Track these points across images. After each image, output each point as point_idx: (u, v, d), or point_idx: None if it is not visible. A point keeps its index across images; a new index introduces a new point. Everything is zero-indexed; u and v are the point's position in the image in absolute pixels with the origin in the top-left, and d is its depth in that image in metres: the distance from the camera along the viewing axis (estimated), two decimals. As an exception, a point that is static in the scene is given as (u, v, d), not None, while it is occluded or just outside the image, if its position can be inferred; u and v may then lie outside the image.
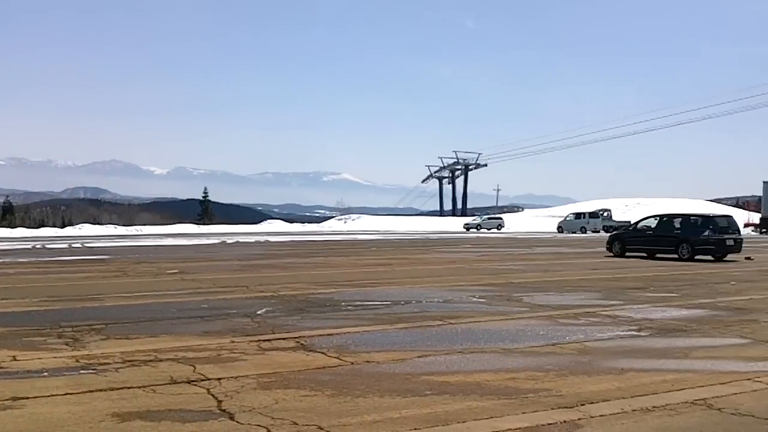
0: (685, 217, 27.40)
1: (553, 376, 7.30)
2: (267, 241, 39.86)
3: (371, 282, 16.60)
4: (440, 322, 10.60)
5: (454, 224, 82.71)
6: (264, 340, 9.05)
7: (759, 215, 71.21)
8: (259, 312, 11.50)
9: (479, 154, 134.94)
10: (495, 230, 71.41)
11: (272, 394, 6.48)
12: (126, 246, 34.97)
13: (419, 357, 8.17)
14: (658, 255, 26.26)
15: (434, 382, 6.98)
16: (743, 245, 26.50)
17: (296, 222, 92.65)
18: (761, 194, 72.17)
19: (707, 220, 26.49)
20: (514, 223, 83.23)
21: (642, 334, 9.94)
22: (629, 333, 9.97)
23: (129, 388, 6.62)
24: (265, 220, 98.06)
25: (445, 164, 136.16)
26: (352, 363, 7.80)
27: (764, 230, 65.88)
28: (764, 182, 70.31)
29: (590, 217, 66.54)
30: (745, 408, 6.11)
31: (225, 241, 39.35)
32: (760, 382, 7.06)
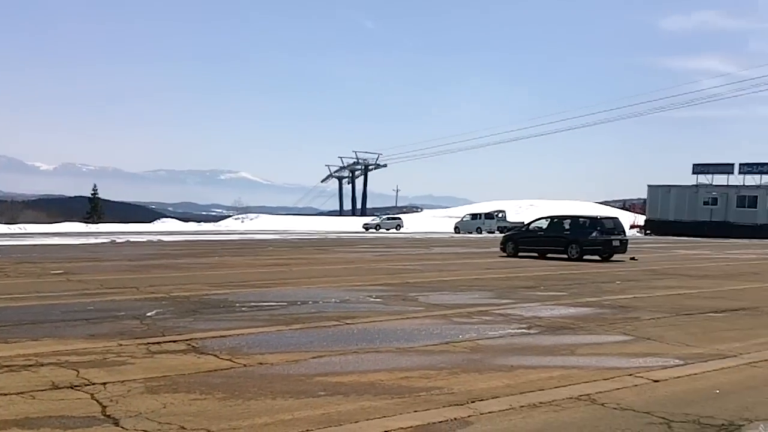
0: (574, 219, 28.41)
1: (445, 374, 7.40)
2: (160, 241, 38.76)
3: (268, 282, 16.40)
4: (336, 323, 10.57)
5: (354, 224, 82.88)
6: (153, 343, 8.77)
7: (644, 217, 74.92)
8: (149, 314, 11.15)
9: (379, 154, 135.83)
10: (394, 230, 72.02)
11: (160, 398, 6.28)
12: (7, 245, 33.24)
13: (314, 358, 8.11)
14: (549, 255, 27.10)
15: (328, 382, 6.95)
16: (628, 246, 27.73)
17: (191, 221, 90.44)
18: (646, 197, 76.05)
19: (595, 221, 27.58)
20: (412, 224, 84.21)
21: (531, 332, 10.22)
22: (519, 331, 10.24)
23: (5, 394, 6.27)
24: (159, 218, 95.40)
25: (345, 164, 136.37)
26: (245, 365, 7.67)
27: (648, 231, 69.31)
28: (649, 186, 74.11)
29: (486, 218, 68.09)
30: (626, 402, 6.37)
31: (115, 241, 38.00)
32: (641, 377, 7.38)
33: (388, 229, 72.77)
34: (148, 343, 8.73)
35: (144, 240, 39.38)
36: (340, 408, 6.04)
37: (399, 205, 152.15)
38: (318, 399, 6.33)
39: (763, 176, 68.01)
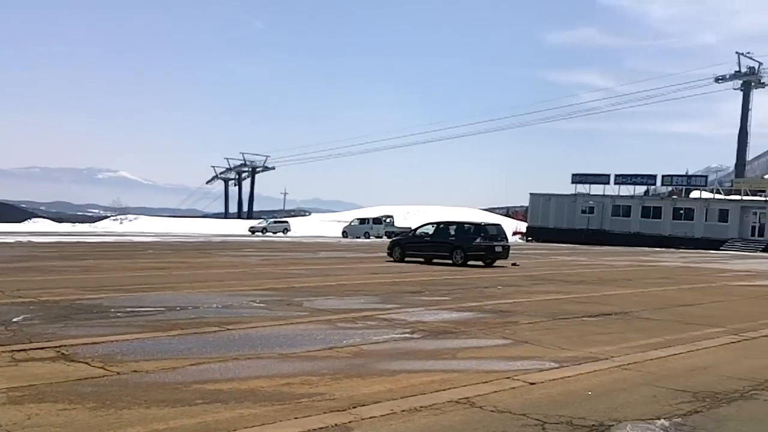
0: (459, 225, 28.94)
1: (327, 380, 7.33)
2: (30, 242, 36.76)
3: (145, 287, 15.80)
4: (217, 329, 10.30)
5: (240, 227, 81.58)
6: (19, 351, 8.26)
7: (526, 224, 77.51)
8: (15, 319, 10.50)
9: (267, 156, 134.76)
10: (281, 234, 71.43)
11: (24, 409, 5.90)
12: None
13: (192, 365, 7.85)
14: (435, 260, 27.51)
15: (206, 390, 6.74)
16: (510, 252, 28.54)
17: (66, 221, 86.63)
18: (528, 205, 78.77)
19: (479, 228, 28.21)
20: (300, 227, 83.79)
21: (415, 336, 10.30)
22: (403, 336, 10.30)
23: None
24: (30, 218, 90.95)
25: (232, 165, 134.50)
26: (118, 373, 7.33)
27: (530, 238, 71.74)
28: (531, 194, 76.75)
29: (374, 222, 68.52)
30: (504, 405, 6.50)
31: (-17, 242, 35.77)
32: (518, 380, 7.56)
33: (275, 233, 72.11)
34: (13, 351, 8.22)
35: (12, 241, 37.25)
36: (217, 416, 5.87)
37: (287, 208, 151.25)
38: (195, 407, 6.12)
39: (637, 187, 71.89)
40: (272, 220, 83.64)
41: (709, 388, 7.48)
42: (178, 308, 12.33)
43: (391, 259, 28.34)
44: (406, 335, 10.36)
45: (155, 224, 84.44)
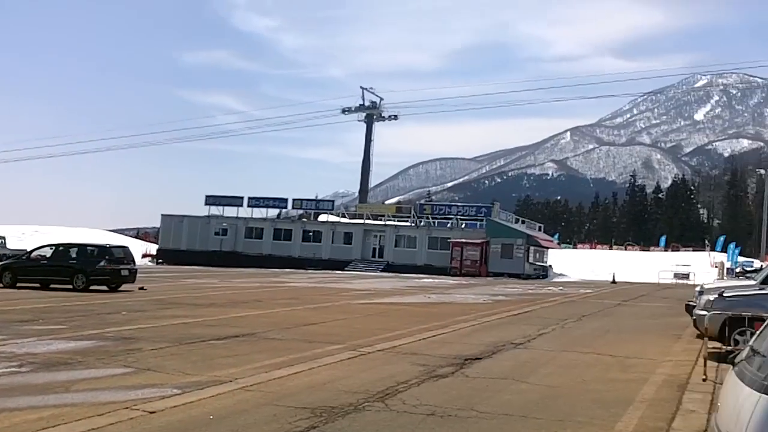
0: (82, 247, 27.14)
1: None
2: None
3: None
4: None
5: None
6: None
7: (157, 246, 75.54)
8: None
9: None
10: None
11: None
12: None
13: None
14: (53, 285, 25.40)
15: None
16: (138, 275, 27.45)
17: None
18: (160, 226, 76.97)
19: (103, 250, 26.70)
20: None
21: (23, 370, 9.31)
22: (9, 370, 9.25)
23: None
24: None
25: None
26: None
27: (161, 261, 70.02)
28: (162, 215, 75.13)
29: (-19, 244, 61.17)
30: (120, 438, 6.11)
31: None
32: (137, 409, 7.20)
33: None
34: None
35: None
36: None
37: None
38: None
39: (269, 210, 74.43)
40: None
41: (326, 403, 7.86)
42: None
43: (1, 285, 25.50)
44: (13, 369, 9.30)
45: None
